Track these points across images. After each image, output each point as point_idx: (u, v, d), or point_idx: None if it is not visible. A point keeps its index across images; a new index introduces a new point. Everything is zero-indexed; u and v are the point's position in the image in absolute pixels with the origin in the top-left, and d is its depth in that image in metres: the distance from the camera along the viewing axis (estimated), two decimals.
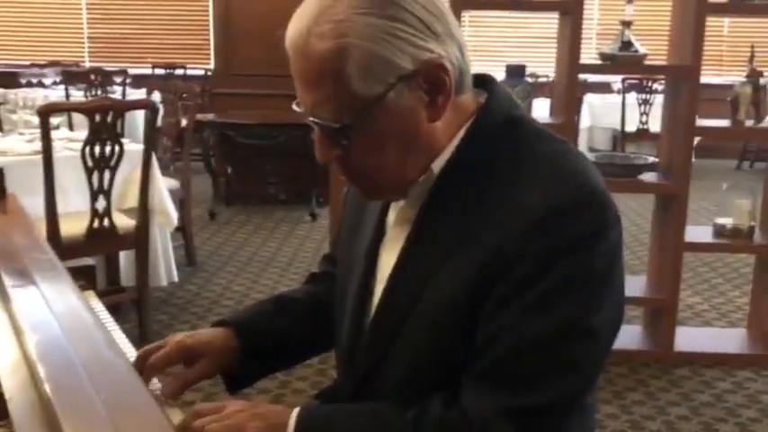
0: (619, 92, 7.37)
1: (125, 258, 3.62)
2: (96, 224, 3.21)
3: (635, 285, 3.45)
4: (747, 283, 4.04)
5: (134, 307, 3.46)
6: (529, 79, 3.41)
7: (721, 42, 8.52)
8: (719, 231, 3.36)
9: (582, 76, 3.96)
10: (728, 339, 3.57)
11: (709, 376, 3.21)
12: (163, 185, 3.68)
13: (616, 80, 7.54)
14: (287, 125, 5.51)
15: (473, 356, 1.02)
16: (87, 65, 8.37)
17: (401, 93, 1.02)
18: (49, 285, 1.28)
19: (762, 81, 3.42)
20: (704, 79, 3.28)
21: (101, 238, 3.25)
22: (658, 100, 5.90)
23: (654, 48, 3.93)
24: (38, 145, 3.18)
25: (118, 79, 6.96)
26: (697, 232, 3.49)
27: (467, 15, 7.20)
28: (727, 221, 3.35)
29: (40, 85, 7.34)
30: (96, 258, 3.49)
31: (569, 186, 1.03)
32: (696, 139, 3.42)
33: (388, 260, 1.15)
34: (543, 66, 7.00)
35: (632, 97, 7.18)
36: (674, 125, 3.35)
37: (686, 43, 3.18)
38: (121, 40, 8.65)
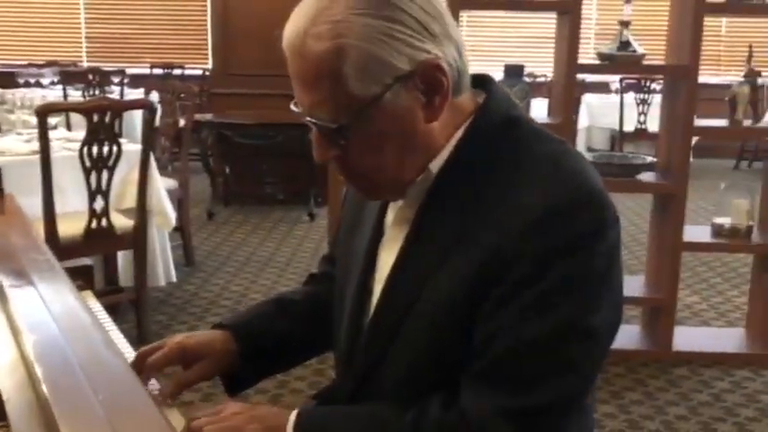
0: (617, 92, 7.37)
1: (123, 258, 3.62)
2: (94, 224, 3.21)
3: (633, 285, 3.45)
4: (745, 282, 4.04)
5: (132, 307, 3.45)
6: (527, 79, 3.41)
7: (719, 42, 8.52)
8: (718, 231, 3.36)
9: (580, 76, 3.95)
10: (727, 339, 3.57)
11: (707, 376, 3.21)
12: (161, 185, 3.68)
13: (614, 80, 7.54)
14: (285, 125, 5.50)
15: (471, 356, 1.03)
16: (85, 65, 8.36)
17: (398, 93, 1.02)
18: (46, 285, 1.28)
19: (759, 81, 3.42)
20: (702, 79, 3.29)
21: (99, 239, 3.24)
22: (656, 100, 5.91)
23: (652, 48, 3.93)
24: (35, 145, 3.17)
25: (116, 79, 6.95)
26: (695, 232, 3.50)
27: (465, 15, 7.20)
28: (725, 221, 3.35)
29: (38, 84, 7.32)
30: (94, 258, 3.49)
31: (568, 186, 1.03)
32: (694, 139, 3.42)
33: (386, 260, 1.15)
34: (541, 66, 7.00)
35: (630, 97, 7.18)
36: (673, 125, 3.35)
37: (684, 43, 3.19)
38: (119, 39, 8.64)
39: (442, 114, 1.05)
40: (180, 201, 4.32)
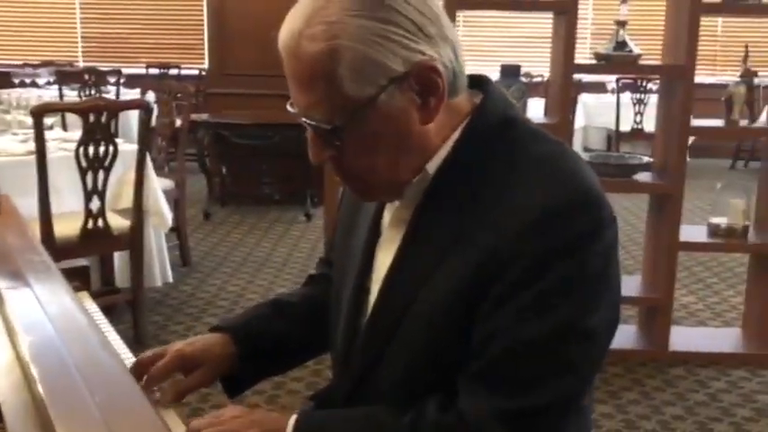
0: (613, 92, 7.38)
1: (119, 259, 3.61)
2: (90, 225, 3.20)
3: (630, 285, 3.45)
4: (742, 282, 4.05)
5: (128, 308, 3.45)
6: (523, 79, 3.41)
7: (715, 42, 8.54)
8: (714, 231, 3.37)
9: (576, 76, 3.96)
10: (723, 339, 3.58)
11: (703, 376, 3.21)
12: (157, 186, 3.67)
13: (611, 80, 7.55)
14: (281, 125, 5.50)
15: (469, 357, 1.02)
16: (81, 65, 8.35)
17: (393, 95, 1.02)
18: (42, 286, 1.28)
19: (756, 81, 3.44)
20: (698, 79, 3.29)
21: (95, 239, 3.24)
22: (653, 100, 5.91)
23: (648, 48, 3.93)
24: (31, 145, 3.17)
25: (112, 79, 6.95)
26: (691, 232, 3.50)
27: (461, 15, 7.20)
28: (721, 221, 3.36)
29: (34, 85, 7.33)
30: (90, 259, 3.49)
31: (565, 187, 1.02)
32: (690, 139, 3.42)
33: (383, 261, 1.15)
34: (538, 66, 7.01)
35: (627, 97, 7.19)
36: (669, 125, 3.36)
37: (680, 43, 3.19)
38: (115, 39, 8.64)
39: (439, 115, 1.05)
40: (176, 201, 4.31)
